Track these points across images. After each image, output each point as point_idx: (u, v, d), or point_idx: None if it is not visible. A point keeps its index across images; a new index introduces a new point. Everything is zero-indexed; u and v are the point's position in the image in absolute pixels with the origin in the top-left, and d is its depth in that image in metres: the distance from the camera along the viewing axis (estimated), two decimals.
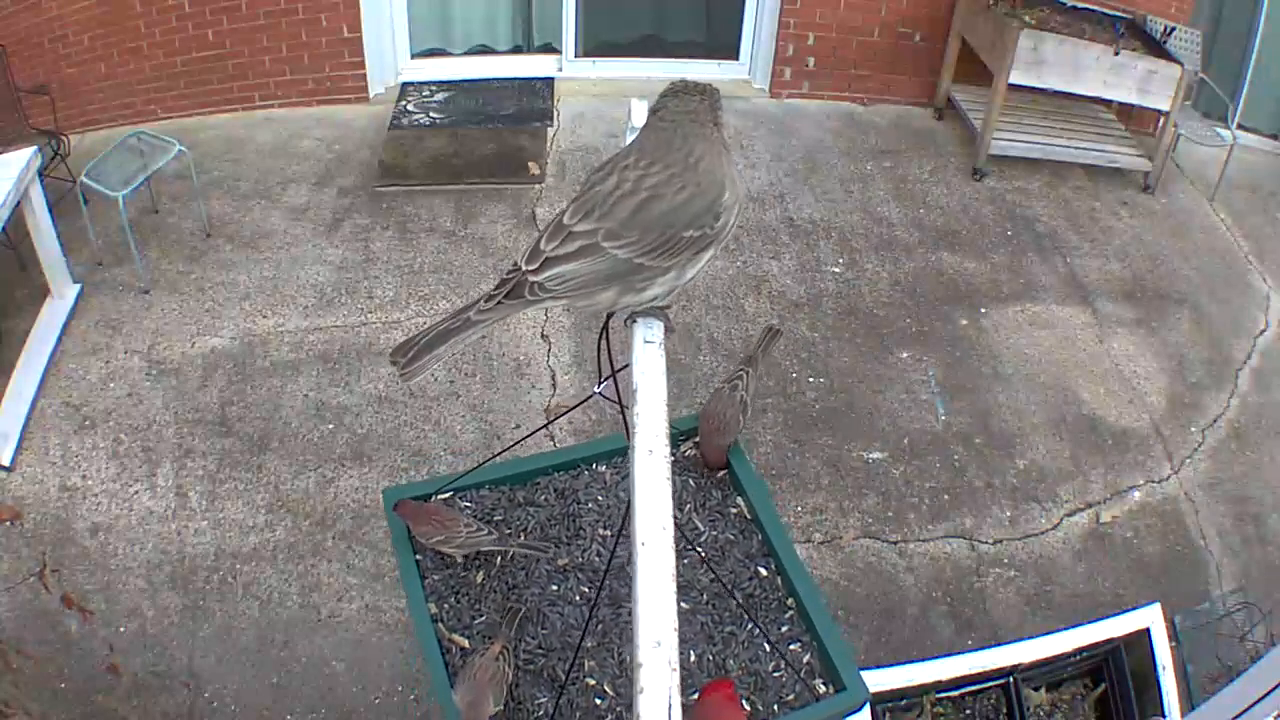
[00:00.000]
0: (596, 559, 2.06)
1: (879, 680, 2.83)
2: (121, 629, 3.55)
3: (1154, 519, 4.13)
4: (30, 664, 3.35)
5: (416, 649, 1.98)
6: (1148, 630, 3.04)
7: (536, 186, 5.42)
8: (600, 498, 2.17)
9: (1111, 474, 4.27)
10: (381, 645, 3.55)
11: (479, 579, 2.05)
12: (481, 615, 2.00)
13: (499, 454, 2.42)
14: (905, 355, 4.67)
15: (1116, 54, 5.31)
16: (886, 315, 4.85)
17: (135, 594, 3.64)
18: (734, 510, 2.17)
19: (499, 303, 1.49)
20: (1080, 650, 3.02)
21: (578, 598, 2.01)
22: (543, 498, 2.17)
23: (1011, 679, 2.94)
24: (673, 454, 2.25)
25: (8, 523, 3.78)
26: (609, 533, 2.09)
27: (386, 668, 3.49)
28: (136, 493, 3.93)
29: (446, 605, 2.01)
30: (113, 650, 3.47)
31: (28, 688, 3.29)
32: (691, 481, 2.20)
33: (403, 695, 3.44)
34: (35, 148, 4.35)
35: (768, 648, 1.96)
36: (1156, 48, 5.56)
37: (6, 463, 3.96)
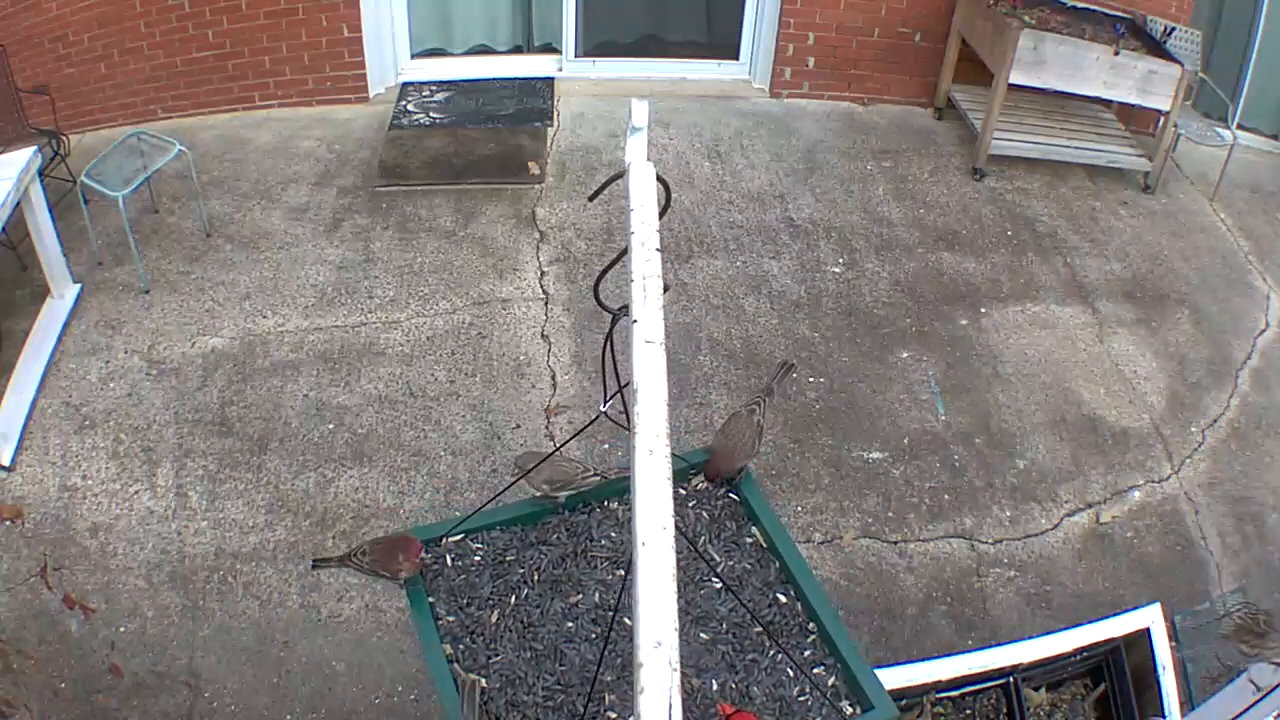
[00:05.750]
0: (611, 597, 2.05)
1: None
2: (121, 629, 3.55)
3: (1154, 519, 4.13)
4: (30, 664, 3.35)
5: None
6: (1148, 630, 3.04)
7: (536, 186, 5.42)
8: (613, 534, 2.16)
9: (1111, 474, 4.27)
10: (381, 645, 3.54)
11: (493, 619, 2.04)
12: (497, 655, 1.97)
13: (505, 489, 2.38)
14: (905, 355, 4.67)
15: (1117, 54, 5.31)
16: (886, 315, 4.85)
17: (135, 594, 3.64)
18: (749, 540, 2.16)
19: None
20: (1080, 650, 3.03)
21: (593, 635, 2.01)
22: (555, 536, 2.17)
23: (1011, 679, 2.94)
24: (684, 488, 2.25)
25: (8, 522, 3.79)
26: (623, 572, 2.08)
27: (386, 668, 3.49)
28: (136, 493, 3.93)
29: (461, 646, 2.00)
30: (113, 650, 3.47)
31: (28, 688, 3.29)
32: (705, 514, 2.20)
33: (403, 695, 3.44)
34: (35, 148, 4.34)
35: (792, 673, 1.95)
36: (1156, 48, 5.56)
37: (6, 463, 3.96)
